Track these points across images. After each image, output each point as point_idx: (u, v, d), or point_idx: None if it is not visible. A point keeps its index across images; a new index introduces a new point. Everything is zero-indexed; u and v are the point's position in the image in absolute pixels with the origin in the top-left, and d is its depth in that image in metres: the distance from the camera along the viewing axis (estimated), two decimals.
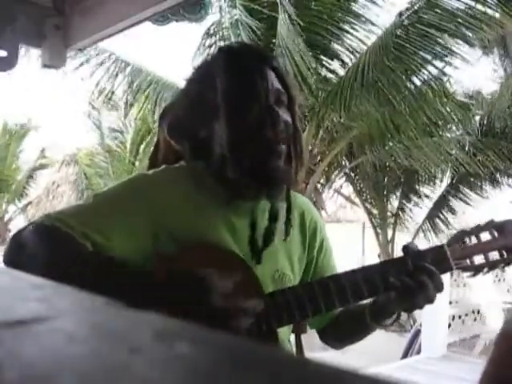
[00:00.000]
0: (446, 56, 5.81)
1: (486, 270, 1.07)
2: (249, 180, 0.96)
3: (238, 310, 0.84)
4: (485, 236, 1.07)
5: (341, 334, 1.17)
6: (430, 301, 1.00)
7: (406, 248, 1.04)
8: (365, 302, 1.07)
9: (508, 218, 1.08)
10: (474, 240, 1.07)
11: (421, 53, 5.80)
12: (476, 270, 1.06)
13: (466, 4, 5.54)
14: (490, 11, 5.48)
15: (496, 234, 1.06)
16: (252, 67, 0.98)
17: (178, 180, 1.01)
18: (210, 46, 6.23)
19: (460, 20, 5.56)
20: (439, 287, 1.00)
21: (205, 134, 1.00)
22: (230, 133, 0.96)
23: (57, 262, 0.84)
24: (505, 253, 1.05)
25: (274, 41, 5.75)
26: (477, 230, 1.07)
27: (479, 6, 5.49)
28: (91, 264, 0.86)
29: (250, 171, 0.95)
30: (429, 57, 5.91)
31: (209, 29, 6.27)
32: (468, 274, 1.08)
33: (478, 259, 1.07)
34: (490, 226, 1.07)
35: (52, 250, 0.88)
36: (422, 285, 0.98)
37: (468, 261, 1.06)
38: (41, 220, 0.92)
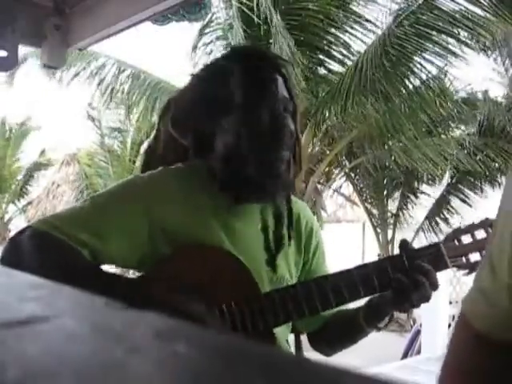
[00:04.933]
0: (446, 56, 5.81)
1: None
2: (251, 184, 0.96)
3: None
4: (480, 234, 1.07)
5: (333, 337, 1.15)
6: (426, 299, 1.00)
7: (403, 244, 1.04)
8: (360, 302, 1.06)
9: None
10: (469, 238, 1.07)
11: (420, 53, 5.80)
12: (472, 267, 1.06)
13: (463, 6, 5.55)
14: (488, 14, 5.48)
15: (491, 231, 1.06)
16: (266, 73, 1.00)
17: (175, 181, 1.00)
18: (206, 46, 6.24)
19: (458, 21, 5.56)
20: (435, 285, 1.00)
21: (210, 129, 1.00)
22: (238, 134, 0.96)
23: (49, 272, 0.84)
24: None
25: (270, 41, 5.75)
26: (472, 228, 1.08)
27: (477, 10, 5.50)
28: (82, 277, 0.86)
29: (253, 175, 0.96)
30: (428, 57, 5.91)
31: (204, 29, 6.27)
32: (464, 271, 1.08)
33: (474, 257, 1.07)
34: (485, 223, 1.07)
35: (44, 260, 0.88)
36: (418, 283, 0.98)
37: (464, 259, 1.06)
38: (37, 226, 0.92)
